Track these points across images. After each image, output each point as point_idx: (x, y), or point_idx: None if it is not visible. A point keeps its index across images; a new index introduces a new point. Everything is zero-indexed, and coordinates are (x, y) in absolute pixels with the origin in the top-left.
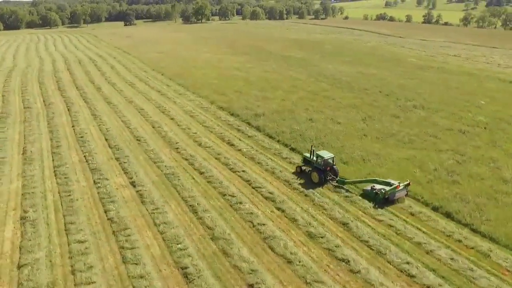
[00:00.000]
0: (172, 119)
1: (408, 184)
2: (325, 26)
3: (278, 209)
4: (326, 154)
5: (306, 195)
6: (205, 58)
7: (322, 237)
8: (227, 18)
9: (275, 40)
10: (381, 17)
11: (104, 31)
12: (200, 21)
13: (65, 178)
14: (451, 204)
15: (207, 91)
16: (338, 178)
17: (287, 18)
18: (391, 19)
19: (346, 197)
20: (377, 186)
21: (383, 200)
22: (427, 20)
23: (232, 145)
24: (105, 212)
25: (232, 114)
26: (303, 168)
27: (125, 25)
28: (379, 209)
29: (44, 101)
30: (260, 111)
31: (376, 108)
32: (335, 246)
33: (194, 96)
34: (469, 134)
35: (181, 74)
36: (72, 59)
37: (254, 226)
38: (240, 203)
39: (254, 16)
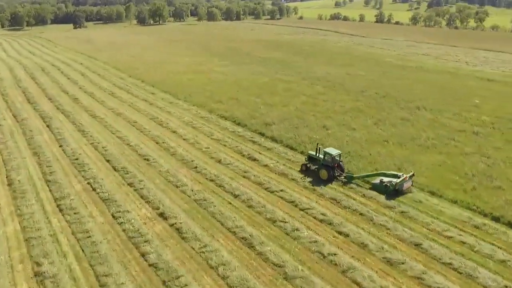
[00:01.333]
0: (174, 132)
1: (413, 175)
2: (287, 27)
3: (340, 233)
4: (334, 151)
5: (361, 214)
6: (183, 62)
7: (402, 263)
8: (182, 19)
9: (246, 41)
10: (335, 17)
11: (56, 34)
12: (157, 23)
13: (74, 214)
14: (509, 213)
15: (200, 99)
16: (346, 173)
17: (243, 19)
18: (345, 18)
19: (403, 212)
20: (385, 179)
21: (393, 192)
22: (380, 19)
23: (255, 160)
24: (143, 256)
25: (238, 124)
26: (308, 165)
27: (75, 27)
28: (441, 224)
29: (14, 116)
30: (268, 120)
31: (382, 111)
32: (422, 273)
33: (187, 104)
34: (482, 135)
35: (163, 81)
36: (32, 66)
37: (324, 257)
38: (297, 229)
39: (211, 17)
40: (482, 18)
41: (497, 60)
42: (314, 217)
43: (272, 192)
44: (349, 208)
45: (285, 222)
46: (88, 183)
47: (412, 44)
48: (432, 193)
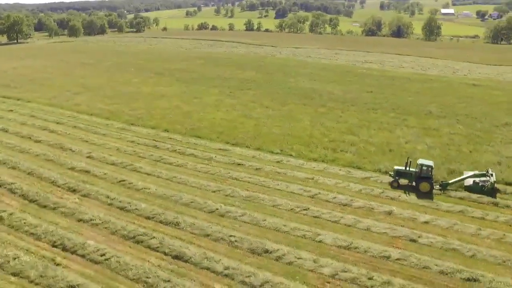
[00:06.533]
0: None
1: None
2: (180, 39)
3: None
4: (429, 162)
5: None
6: (174, 95)
7: None
8: (28, 36)
9: (184, 60)
10: (202, 27)
11: None
12: (15, 41)
13: None
14: None
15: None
16: (441, 181)
17: (106, 33)
18: (214, 28)
19: None
20: (477, 179)
21: (490, 190)
22: (249, 28)
23: None
24: None
25: None
26: (400, 182)
27: None
28: None
29: None
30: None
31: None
32: None
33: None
34: None
35: (224, 132)
36: None
37: None
38: None
39: (72, 31)
40: (336, 24)
41: (419, 63)
42: None
43: None
44: None
45: None
46: None
47: (334, 52)
48: None
